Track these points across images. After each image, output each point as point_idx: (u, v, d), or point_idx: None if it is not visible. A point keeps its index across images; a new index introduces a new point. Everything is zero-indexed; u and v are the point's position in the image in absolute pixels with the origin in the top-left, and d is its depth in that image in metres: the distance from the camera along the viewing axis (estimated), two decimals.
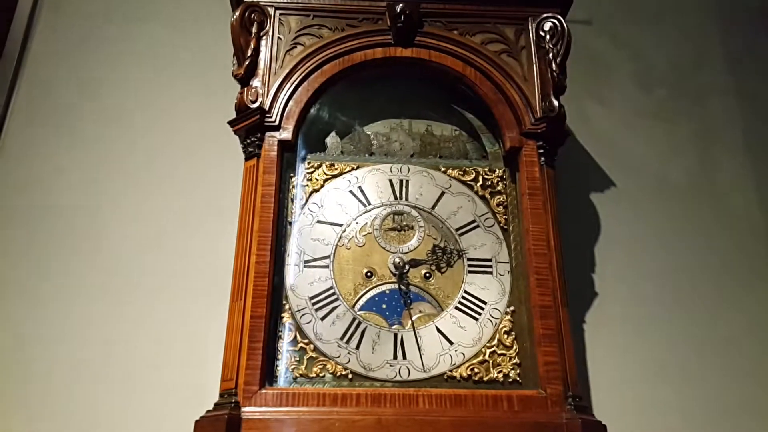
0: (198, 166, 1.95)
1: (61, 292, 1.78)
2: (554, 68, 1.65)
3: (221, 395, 1.32)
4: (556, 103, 1.62)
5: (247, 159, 1.54)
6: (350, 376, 1.40)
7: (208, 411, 1.31)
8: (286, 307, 1.45)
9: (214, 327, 1.57)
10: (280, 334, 1.42)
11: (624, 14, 2.37)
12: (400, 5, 1.61)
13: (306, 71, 1.59)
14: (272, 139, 1.53)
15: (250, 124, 1.53)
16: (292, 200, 1.56)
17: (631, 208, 2.05)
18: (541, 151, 1.60)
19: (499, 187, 1.64)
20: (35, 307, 1.76)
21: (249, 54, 1.59)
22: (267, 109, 1.54)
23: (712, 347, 1.88)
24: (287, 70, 1.59)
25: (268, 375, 1.35)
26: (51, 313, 1.76)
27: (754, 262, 2.04)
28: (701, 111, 2.24)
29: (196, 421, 1.28)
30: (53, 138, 1.98)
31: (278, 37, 1.64)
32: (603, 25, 2.30)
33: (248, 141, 1.54)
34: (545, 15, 1.71)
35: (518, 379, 1.44)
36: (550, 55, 1.67)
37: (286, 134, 1.54)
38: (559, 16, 1.71)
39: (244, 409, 1.27)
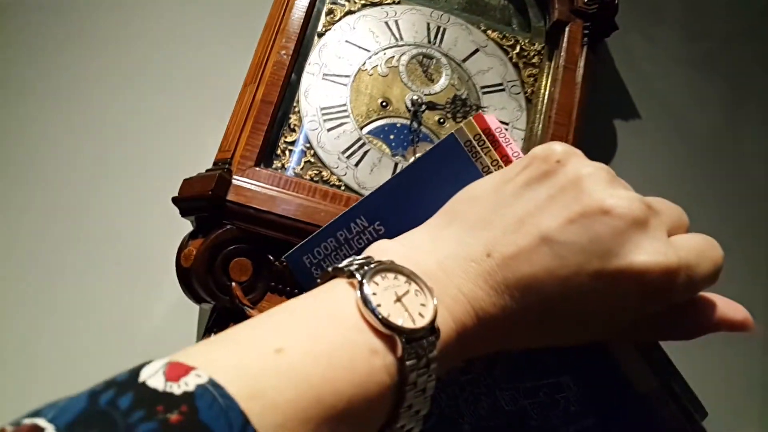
0: None
1: None
2: None
3: (215, 164, 1.29)
4: None
5: None
6: (342, 187, 1.38)
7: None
8: (296, 109, 1.41)
9: None
10: (283, 132, 1.39)
11: None
12: None
13: None
14: None
15: None
16: (327, 14, 1.52)
17: (649, 148, 2.01)
18: (586, 32, 1.56)
19: (534, 60, 1.60)
20: None
21: None
22: None
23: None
24: None
25: (265, 159, 1.33)
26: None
27: None
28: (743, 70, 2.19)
29: (186, 179, 1.25)
30: None
31: None
32: None
33: None
34: None
35: None
36: None
37: None
38: None
39: (236, 176, 1.24)
